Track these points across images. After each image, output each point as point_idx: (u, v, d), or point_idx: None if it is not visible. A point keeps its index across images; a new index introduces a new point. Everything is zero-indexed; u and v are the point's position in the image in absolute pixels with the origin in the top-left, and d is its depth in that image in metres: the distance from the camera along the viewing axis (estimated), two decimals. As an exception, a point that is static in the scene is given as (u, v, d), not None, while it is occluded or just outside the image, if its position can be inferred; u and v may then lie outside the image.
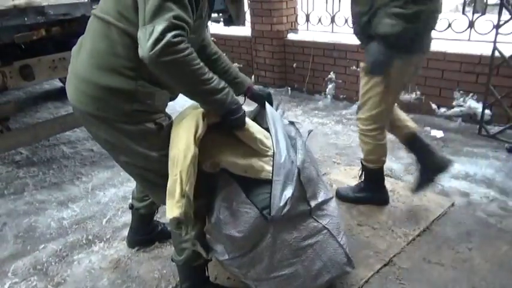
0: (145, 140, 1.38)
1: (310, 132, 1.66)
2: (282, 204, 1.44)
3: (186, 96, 1.31)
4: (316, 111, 3.96)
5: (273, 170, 1.45)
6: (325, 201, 1.64)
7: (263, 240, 1.49)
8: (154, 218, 2.11)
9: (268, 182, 1.46)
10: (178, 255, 1.60)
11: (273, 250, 1.50)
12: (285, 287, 1.54)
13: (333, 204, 1.70)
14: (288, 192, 1.45)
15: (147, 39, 1.11)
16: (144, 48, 1.12)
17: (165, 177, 1.38)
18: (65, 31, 2.80)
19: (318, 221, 1.58)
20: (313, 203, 1.56)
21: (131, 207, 1.98)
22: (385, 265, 1.86)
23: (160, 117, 1.41)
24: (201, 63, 1.23)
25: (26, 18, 2.44)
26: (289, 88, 4.59)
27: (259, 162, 1.50)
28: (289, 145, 1.53)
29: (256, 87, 1.73)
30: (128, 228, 2.09)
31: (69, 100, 1.41)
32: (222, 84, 1.31)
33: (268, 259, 1.50)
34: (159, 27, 1.11)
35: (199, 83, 1.24)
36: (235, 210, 1.47)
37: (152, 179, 1.46)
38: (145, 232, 2.05)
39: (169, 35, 1.11)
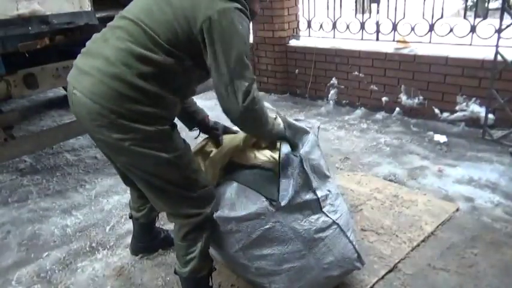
0: (159, 142, 1.38)
1: (319, 127, 1.79)
2: (287, 191, 1.48)
3: (261, 137, 1.63)
4: (319, 117, 3.96)
5: (279, 164, 1.50)
6: (335, 196, 1.66)
7: (271, 226, 1.50)
8: (158, 225, 2.11)
9: (275, 179, 1.51)
10: (183, 267, 1.57)
11: (283, 239, 1.52)
12: (297, 280, 1.55)
13: (341, 200, 1.72)
14: (292, 179, 1.50)
15: (235, 92, 1.28)
16: (234, 101, 1.29)
17: (171, 183, 1.42)
18: (69, 40, 2.83)
19: (328, 216, 1.59)
20: (319, 193, 1.57)
21: (130, 216, 2.00)
22: (389, 271, 1.85)
23: (172, 122, 1.44)
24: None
25: (30, 27, 2.46)
26: (291, 94, 4.60)
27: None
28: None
29: (211, 120, 1.81)
30: (131, 236, 2.09)
31: (81, 94, 1.33)
32: (276, 119, 1.54)
33: (279, 249, 1.52)
34: (246, 82, 1.29)
35: (270, 126, 1.47)
36: (240, 202, 1.52)
37: (159, 184, 1.44)
38: (147, 239, 2.04)
39: (254, 89, 1.31)
